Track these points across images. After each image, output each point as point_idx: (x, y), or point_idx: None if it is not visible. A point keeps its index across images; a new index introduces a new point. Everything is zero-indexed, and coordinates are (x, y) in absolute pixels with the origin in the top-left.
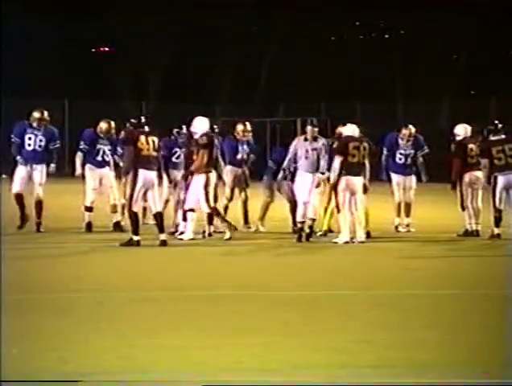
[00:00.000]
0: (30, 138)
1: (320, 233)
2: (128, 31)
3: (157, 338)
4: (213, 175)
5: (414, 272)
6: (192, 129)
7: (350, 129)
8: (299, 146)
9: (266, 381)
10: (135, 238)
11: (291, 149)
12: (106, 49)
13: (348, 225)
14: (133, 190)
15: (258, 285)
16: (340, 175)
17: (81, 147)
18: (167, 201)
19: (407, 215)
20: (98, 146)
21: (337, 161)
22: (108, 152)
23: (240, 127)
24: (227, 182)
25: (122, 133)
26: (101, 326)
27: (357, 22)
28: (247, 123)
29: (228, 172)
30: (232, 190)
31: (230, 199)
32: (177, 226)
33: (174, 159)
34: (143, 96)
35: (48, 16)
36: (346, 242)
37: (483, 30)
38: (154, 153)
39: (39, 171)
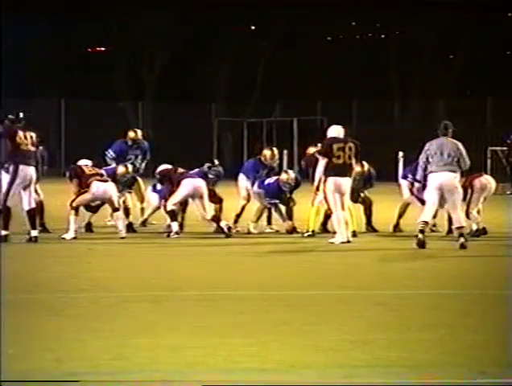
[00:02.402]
0: (130, 158)
1: (308, 234)
2: (125, 31)
3: (153, 338)
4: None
5: (412, 272)
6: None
7: (335, 130)
8: None
9: (263, 381)
10: (3, 233)
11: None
12: (103, 49)
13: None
14: (11, 184)
15: (256, 285)
16: (327, 176)
17: (109, 157)
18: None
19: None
20: (129, 156)
21: (321, 163)
22: (139, 159)
23: (268, 153)
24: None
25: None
26: (97, 326)
27: (354, 22)
28: (274, 149)
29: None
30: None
31: (248, 201)
32: (169, 226)
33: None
34: (140, 95)
35: (44, 16)
36: (342, 242)
37: (479, 30)
38: (32, 149)
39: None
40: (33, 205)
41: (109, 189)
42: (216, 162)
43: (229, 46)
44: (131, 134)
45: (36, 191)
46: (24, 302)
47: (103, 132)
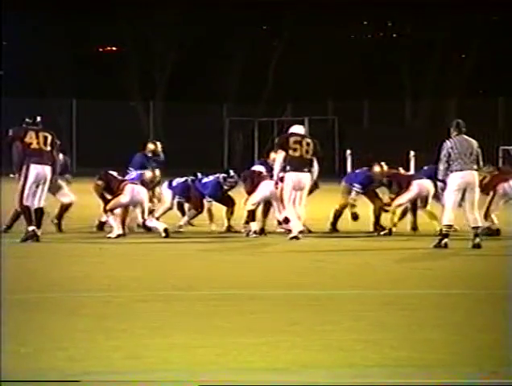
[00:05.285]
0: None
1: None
2: (136, 31)
3: (165, 338)
4: None
5: (421, 271)
6: None
7: (295, 128)
8: None
9: (272, 381)
10: (30, 228)
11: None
12: (114, 49)
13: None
14: (24, 184)
15: (267, 284)
16: (286, 172)
17: (130, 172)
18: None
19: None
20: (148, 168)
21: (280, 156)
22: (157, 171)
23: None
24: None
25: (10, 131)
26: (110, 326)
27: (365, 22)
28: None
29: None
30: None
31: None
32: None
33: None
34: (151, 95)
35: (56, 16)
36: (300, 231)
37: (491, 30)
38: (46, 148)
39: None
40: (42, 205)
41: (143, 192)
42: (232, 172)
43: (241, 45)
44: (151, 147)
45: (64, 193)
46: (37, 301)
47: (114, 132)
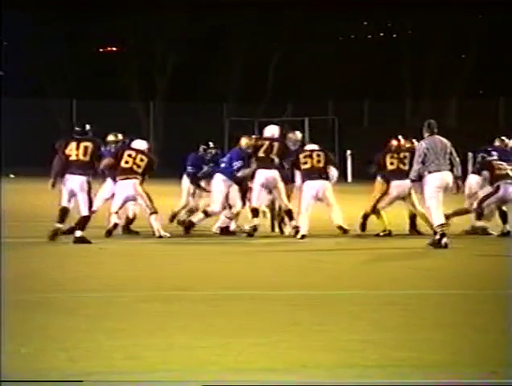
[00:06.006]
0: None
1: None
2: (136, 31)
3: (165, 338)
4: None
5: (420, 272)
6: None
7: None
8: None
9: (272, 381)
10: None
11: None
12: (114, 49)
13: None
14: (62, 193)
15: (267, 285)
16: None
17: (189, 172)
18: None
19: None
20: (204, 168)
21: (297, 173)
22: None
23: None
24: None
25: (56, 144)
26: (110, 326)
27: (365, 22)
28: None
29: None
30: None
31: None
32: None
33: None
34: (151, 95)
35: (56, 16)
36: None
37: (491, 30)
38: (84, 158)
39: None
40: (84, 213)
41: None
42: (211, 144)
43: (241, 46)
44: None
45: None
46: (37, 302)
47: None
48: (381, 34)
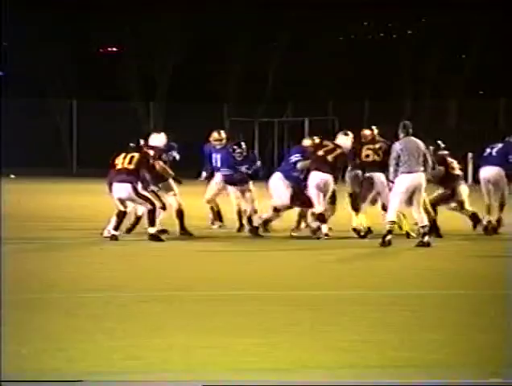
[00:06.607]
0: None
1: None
2: (136, 32)
3: (165, 338)
4: None
5: (422, 272)
6: None
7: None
8: None
9: (273, 381)
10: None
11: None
12: (114, 49)
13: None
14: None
15: (267, 285)
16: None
17: (226, 174)
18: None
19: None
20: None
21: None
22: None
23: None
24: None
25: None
26: (110, 326)
27: (366, 23)
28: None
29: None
30: None
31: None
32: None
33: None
34: (151, 96)
35: (56, 16)
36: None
37: (491, 30)
38: (130, 166)
39: None
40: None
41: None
42: (243, 144)
43: (241, 46)
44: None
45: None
46: (37, 302)
47: (115, 132)
48: (381, 34)
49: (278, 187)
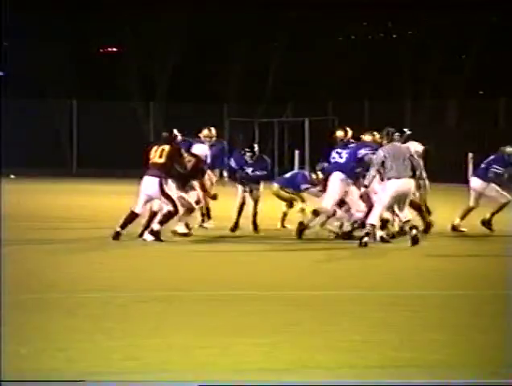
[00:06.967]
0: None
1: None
2: (136, 32)
3: (164, 338)
4: None
5: (423, 272)
6: None
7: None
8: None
9: (273, 381)
10: (118, 229)
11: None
12: (114, 49)
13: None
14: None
15: (267, 285)
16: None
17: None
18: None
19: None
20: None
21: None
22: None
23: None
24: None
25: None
26: (108, 326)
27: (365, 23)
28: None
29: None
30: None
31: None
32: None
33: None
34: (151, 96)
35: (56, 16)
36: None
37: (491, 30)
38: (160, 160)
39: None
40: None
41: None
42: (256, 146)
43: (241, 46)
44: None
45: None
46: (37, 302)
47: (115, 132)
48: (382, 34)
49: (334, 190)
